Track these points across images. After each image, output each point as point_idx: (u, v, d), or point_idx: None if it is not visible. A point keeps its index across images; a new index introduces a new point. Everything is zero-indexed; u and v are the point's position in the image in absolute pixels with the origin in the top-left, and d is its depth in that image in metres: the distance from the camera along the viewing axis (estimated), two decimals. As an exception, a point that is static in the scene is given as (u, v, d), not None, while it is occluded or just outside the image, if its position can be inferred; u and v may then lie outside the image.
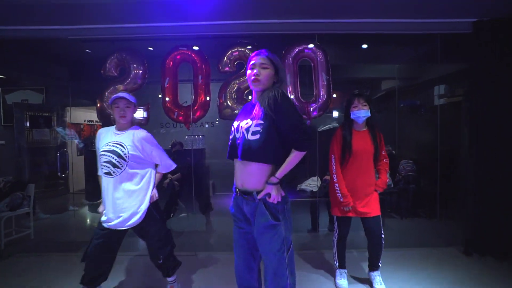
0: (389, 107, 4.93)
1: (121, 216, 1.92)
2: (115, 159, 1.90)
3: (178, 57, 2.96)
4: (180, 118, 3.06)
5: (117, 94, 1.97)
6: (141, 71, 3.05)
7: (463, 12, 2.81)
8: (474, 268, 2.68)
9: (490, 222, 2.88)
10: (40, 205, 4.61)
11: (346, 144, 2.21)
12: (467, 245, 2.97)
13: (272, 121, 1.43)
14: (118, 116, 1.94)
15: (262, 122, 1.43)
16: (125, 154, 1.91)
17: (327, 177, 4.05)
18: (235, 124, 1.57)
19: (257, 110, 1.48)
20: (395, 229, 3.91)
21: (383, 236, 2.26)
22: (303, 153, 1.45)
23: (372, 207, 2.22)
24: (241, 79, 2.97)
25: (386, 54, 4.27)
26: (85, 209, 4.99)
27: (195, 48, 3.02)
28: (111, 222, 1.94)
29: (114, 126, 2.04)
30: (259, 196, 1.47)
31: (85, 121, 6.97)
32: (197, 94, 3.04)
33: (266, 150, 1.44)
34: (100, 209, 2.03)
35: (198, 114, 3.05)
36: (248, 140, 1.45)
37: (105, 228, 1.97)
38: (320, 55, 2.98)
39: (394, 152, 4.61)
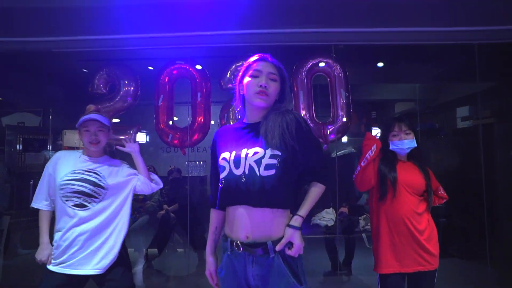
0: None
1: (88, 256, 1.58)
2: (89, 189, 1.60)
3: (174, 72, 2.59)
4: (175, 141, 2.64)
5: (87, 116, 1.65)
6: (132, 88, 2.69)
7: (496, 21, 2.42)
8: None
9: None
10: (24, 237, 4.15)
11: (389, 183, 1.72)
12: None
13: (293, 153, 1.10)
14: (87, 141, 1.64)
15: (280, 153, 1.07)
16: (103, 182, 1.63)
17: (344, 210, 3.55)
18: (227, 155, 1.15)
19: (266, 135, 1.11)
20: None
21: None
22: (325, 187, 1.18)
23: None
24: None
25: (406, 72, 3.90)
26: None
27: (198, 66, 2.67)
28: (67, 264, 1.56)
29: (80, 151, 1.71)
30: (278, 247, 1.06)
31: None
32: (195, 115, 2.65)
33: (285, 190, 1.09)
34: (41, 255, 1.62)
35: (195, 137, 2.63)
36: (261, 176, 1.07)
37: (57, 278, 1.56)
38: (337, 70, 2.58)
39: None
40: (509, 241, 3.35)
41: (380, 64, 3.78)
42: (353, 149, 4.05)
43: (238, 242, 1.10)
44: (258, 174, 1.07)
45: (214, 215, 1.29)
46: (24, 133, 5.15)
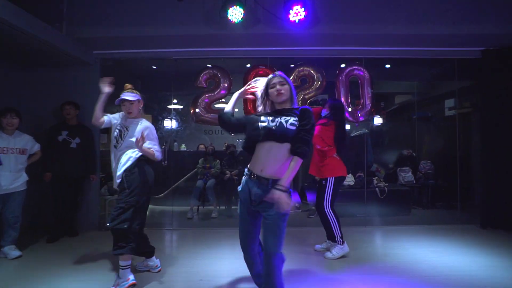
0: (410, 118, 5.85)
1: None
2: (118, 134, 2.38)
3: (260, 72, 3.85)
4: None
5: (121, 97, 2.36)
6: (226, 84, 3.95)
7: (473, 42, 3.75)
8: (489, 237, 3.50)
9: (499, 204, 3.73)
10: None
11: None
12: (482, 221, 3.81)
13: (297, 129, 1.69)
14: (125, 112, 2.39)
15: (296, 123, 1.69)
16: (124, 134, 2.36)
17: (360, 174, 4.89)
18: (263, 118, 1.74)
19: (289, 113, 1.73)
20: (420, 215, 4.73)
21: None
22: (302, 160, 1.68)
23: None
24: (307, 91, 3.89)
25: (409, 73, 5.20)
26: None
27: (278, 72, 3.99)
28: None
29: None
30: (266, 198, 1.62)
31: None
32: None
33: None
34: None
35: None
36: (286, 128, 1.66)
37: None
38: (366, 74, 3.90)
39: (414, 154, 5.49)
40: (477, 195, 4.68)
41: (388, 65, 5.05)
42: (366, 130, 5.36)
43: (254, 173, 1.71)
44: (285, 126, 1.65)
45: None
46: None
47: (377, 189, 4.63)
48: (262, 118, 1.74)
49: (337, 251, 2.83)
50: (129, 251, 2.20)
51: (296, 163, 1.64)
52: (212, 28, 3.33)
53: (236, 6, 2.97)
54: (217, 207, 4.91)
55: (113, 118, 2.42)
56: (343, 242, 2.86)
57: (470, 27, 3.38)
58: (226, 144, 5.84)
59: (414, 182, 5.18)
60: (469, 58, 3.95)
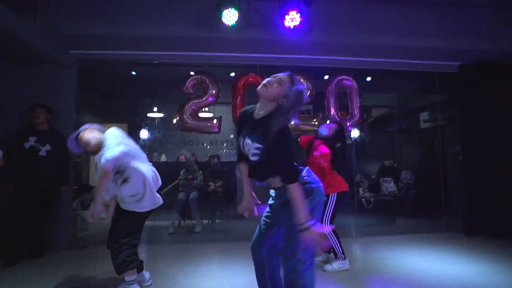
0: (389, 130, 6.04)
1: None
2: None
3: (250, 79, 3.75)
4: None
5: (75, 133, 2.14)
6: (214, 91, 3.80)
7: (451, 57, 3.97)
8: (475, 244, 3.58)
9: (482, 212, 3.86)
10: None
11: None
12: (465, 228, 3.92)
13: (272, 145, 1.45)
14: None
15: (260, 147, 1.45)
16: None
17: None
18: (242, 133, 1.59)
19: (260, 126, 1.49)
20: (404, 224, 4.79)
21: None
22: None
23: None
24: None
25: (390, 86, 5.40)
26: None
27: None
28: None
29: None
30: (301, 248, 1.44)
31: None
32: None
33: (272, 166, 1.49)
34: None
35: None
36: (253, 154, 1.50)
37: None
38: (354, 84, 3.95)
39: (395, 165, 5.63)
40: (455, 204, 4.85)
41: (368, 78, 5.20)
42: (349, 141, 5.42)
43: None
44: (250, 152, 1.52)
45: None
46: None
47: (363, 199, 4.64)
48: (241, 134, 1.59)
49: (338, 265, 2.72)
50: (127, 266, 2.08)
51: (293, 192, 1.41)
52: (203, 30, 3.20)
53: (231, 8, 2.87)
54: (201, 221, 4.61)
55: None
56: (345, 258, 2.76)
57: (449, 41, 3.57)
58: (209, 155, 5.62)
59: (397, 192, 5.28)
60: (448, 72, 4.16)
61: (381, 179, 5.37)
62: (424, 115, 5.97)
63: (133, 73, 4.72)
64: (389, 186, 5.25)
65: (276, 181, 1.53)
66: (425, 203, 5.20)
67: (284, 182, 1.46)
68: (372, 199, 4.63)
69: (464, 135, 4.10)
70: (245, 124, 1.59)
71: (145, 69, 4.38)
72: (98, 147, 2.05)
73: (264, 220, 1.68)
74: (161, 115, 5.49)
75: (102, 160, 1.91)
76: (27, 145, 3.08)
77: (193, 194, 4.72)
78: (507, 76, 3.96)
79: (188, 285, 2.43)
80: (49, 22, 3.06)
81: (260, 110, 1.54)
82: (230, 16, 2.92)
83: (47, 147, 3.15)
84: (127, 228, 2.11)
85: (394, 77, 4.95)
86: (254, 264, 1.73)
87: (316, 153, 2.62)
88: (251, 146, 1.48)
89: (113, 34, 3.21)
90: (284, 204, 1.52)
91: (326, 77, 4.06)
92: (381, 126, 6.38)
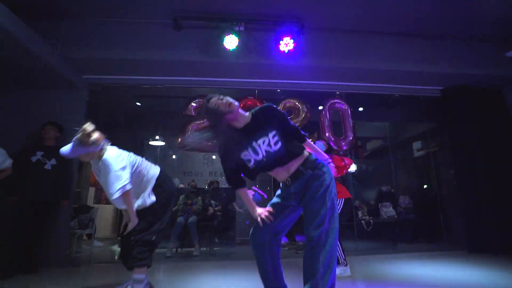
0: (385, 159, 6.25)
1: None
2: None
3: (249, 102, 4.03)
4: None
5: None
6: (215, 113, 4.05)
7: (433, 82, 4.32)
8: (476, 259, 3.51)
9: (483, 231, 3.88)
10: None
11: None
12: (469, 246, 3.90)
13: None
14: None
15: (276, 132, 1.60)
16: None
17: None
18: (243, 152, 1.63)
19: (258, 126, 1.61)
20: (406, 248, 4.68)
21: None
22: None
23: None
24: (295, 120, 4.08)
25: (381, 115, 5.73)
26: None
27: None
28: None
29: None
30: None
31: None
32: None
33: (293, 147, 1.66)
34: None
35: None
36: (276, 151, 1.60)
37: None
38: (347, 107, 4.24)
39: (393, 190, 5.70)
40: (454, 226, 4.81)
41: (361, 109, 5.55)
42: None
43: (286, 180, 1.67)
44: (272, 150, 1.62)
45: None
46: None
47: (362, 221, 4.62)
48: (243, 153, 1.61)
49: (339, 271, 2.68)
50: (150, 263, 2.13)
51: (309, 144, 1.70)
52: (207, 56, 3.55)
53: (232, 34, 3.25)
54: (199, 246, 4.51)
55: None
56: (346, 264, 2.77)
57: (430, 66, 3.95)
58: (208, 181, 5.69)
59: (396, 216, 5.25)
60: (432, 96, 4.49)
61: (379, 204, 5.38)
62: (417, 144, 6.23)
63: (138, 104, 5.04)
64: (388, 210, 5.25)
65: (293, 167, 1.63)
66: (425, 227, 5.14)
67: (302, 141, 1.70)
68: (371, 221, 4.62)
69: (455, 159, 4.30)
70: (235, 140, 1.63)
71: (149, 102, 4.71)
72: (99, 154, 2.07)
73: (268, 211, 1.72)
74: (162, 143, 5.69)
75: (118, 193, 1.98)
76: (34, 158, 3.21)
77: (192, 218, 4.69)
78: (483, 99, 4.29)
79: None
80: (67, 47, 3.41)
81: (237, 124, 1.63)
82: (231, 41, 3.29)
83: (53, 161, 3.26)
84: (138, 226, 2.12)
85: (384, 107, 5.32)
86: (254, 252, 1.75)
87: (347, 161, 2.88)
88: (269, 139, 1.58)
89: (121, 59, 3.56)
90: (301, 186, 1.61)
91: (320, 107, 4.36)
92: (377, 157, 6.60)
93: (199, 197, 4.99)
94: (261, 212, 1.73)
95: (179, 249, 4.64)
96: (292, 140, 1.64)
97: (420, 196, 5.55)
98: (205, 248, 4.72)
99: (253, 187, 6.58)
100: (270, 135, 1.57)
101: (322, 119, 4.19)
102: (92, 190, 6.76)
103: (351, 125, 4.21)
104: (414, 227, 5.20)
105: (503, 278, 2.62)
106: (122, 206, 2.09)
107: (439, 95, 4.45)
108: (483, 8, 3.37)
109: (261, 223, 1.71)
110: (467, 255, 3.77)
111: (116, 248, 4.86)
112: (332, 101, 4.24)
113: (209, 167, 6.74)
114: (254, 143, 1.60)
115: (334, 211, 1.52)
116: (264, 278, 1.78)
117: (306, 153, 1.67)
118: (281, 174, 1.67)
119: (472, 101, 4.27)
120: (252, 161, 1.62)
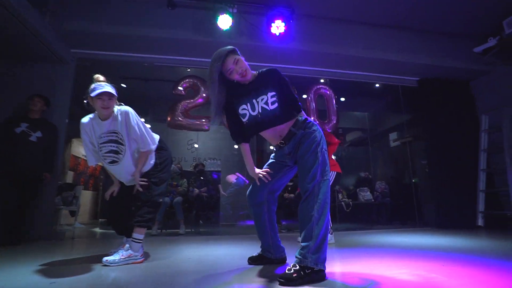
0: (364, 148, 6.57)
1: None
2: (115, 147, 2.05)
3: (239, 84, 4.12)
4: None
5: (102, 90, 1.95)
6: (205, 94, 4.11)
7: (411, 72, 4.64)
8: (443, 232, 3.86)
9: (448, 212, 4.25)
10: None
11: None
12: (438, 224, 4.25)
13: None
14: (101, 107, 1.97)
15: (274, 93, 1.70)
16: (121, 138, 2.04)
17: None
18: (242, 105, 1.74)
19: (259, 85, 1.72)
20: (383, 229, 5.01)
21: None
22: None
23: None
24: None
25: (361, 104, 6.03)
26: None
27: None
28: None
29: (92, 117, 2.07)
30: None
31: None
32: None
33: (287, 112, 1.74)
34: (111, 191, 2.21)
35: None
36: (271, 110, 1.69)
37: None
38: (331, 92, 4.45)
39: (370, 176, 6.03)
40: (425, 209, 5.20)
41: (342, 99, 5.83)
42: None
43: (280, 142, 1.78)
44: (269, 109, 1.70)
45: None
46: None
47: (342, 203, 4.88)
48: (241, 107, 1.73)
49: None
50: (152, 224, 2.20)
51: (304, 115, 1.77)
52: (200, 35, 3.60)
53: (226, 14, 3.33)
54: (184, 227, 4.56)
55: (86, 136, 2.05)
56: (332, 232, 2.96)
57: (409, 56, 4.24)
58: (194, 164, 5.72)
59: (373, 200, 5.58)
60: (410, 86, 4.81)
61: (358, 189, 5.69)
62: (393, 135, 6.62)
63: (123, 85, 4.96)
64: (365, 194, 5.56)
65: (285, 130, 1.74)
66: (399, 210, 5.51)
67: (297, 111, 1.75)
68: (351, 202, 4.88)
69: (427, 149, 4.66)
70: (236, 92, 1.76)
71: (135, 82, 4.66)
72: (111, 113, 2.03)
73: (265, 171, 1.85)
74: (148, 126, 5.63)
75: (149, 146, 2.08)
76: (18, 130, 3.12)
77: (178, 199, 4.73)
78: (453, 91, 4.67)
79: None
80: (55, 19, 3.33)
81: (244, 81, 1.78)
82: (225, 21, 3.36)
83: (38, 133, 3.20)
84: (145, 188, 2.13)
85: (365, 97, 5.60)
86: (253, 210, 1.90)
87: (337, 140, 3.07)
88: (267, 97, 1.68)
89: (113, 34, 3.52)
90: (294, 145, 1.73)
91: (304, 96, 4.56)
92: (357, 146, 6.94)
93: (184, 179, 5.04)
94: (259, 171, 1.86)
95: (164, 230, 4.67)
96: (288, 106, 1.74)
97: (396, 183, 5.91)
98: (190, 230, 4.78)
99: (237, 173, 6.70)
100: (269, 94, 1.68)
101: (308, 104, 4.38)
102: (70, 174, 6.58)
103: (335, 109, 4.43)
104: (390, 210, 5.56)
105: (463, 242, 2.94)
106: (132, 168, 2.10)
107: (416, 85, 4.78)
108: (458, 6, 3.69)
109: (258, 182, 1.84)
110: (436, 230, 4.13)
111: (98, 230, 4.79)
112: (318, 87, 4.43)
113: (193, 153, 6.77)
114: (253, 100, 1.70)
115: (326, 165, 1.64)
116: (261, 234, 1.93)
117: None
118: (274, 138, 1.78)
119: (443, 92, 4.63)
120: (247, 116, 1.72)
